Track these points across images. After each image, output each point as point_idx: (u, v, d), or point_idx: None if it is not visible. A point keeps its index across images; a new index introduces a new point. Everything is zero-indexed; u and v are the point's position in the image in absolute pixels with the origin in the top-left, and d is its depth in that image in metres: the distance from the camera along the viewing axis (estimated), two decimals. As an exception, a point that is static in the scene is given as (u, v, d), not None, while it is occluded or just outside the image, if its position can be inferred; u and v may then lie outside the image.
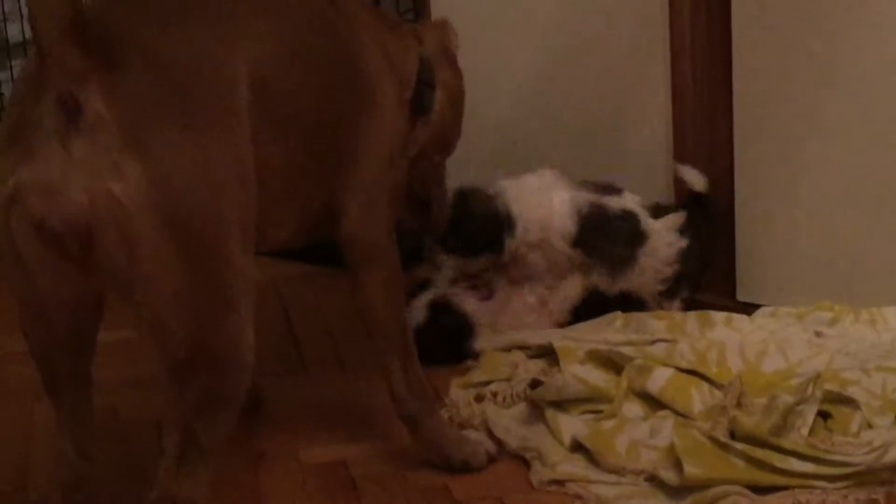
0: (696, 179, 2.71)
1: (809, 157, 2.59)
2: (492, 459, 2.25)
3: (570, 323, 2.70)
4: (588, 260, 2.69)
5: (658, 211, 2.74)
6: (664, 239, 2.71)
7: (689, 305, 2.75)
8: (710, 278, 2.75)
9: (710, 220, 2.74)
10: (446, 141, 2.44)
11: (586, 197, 2.70)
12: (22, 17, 3.97)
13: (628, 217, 2.71)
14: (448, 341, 2.64)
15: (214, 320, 1.74)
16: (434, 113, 2.35)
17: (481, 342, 2.65)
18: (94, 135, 1.64)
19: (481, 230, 2.67)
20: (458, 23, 2.94)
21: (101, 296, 1.87)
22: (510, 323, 2.69)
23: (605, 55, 2.82)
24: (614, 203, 2.71)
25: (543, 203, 2.69)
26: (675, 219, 2.73)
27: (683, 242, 2.71)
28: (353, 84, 2.11)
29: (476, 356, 2.62)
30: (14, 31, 3.99)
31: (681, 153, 2.72)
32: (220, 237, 1.73)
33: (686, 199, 2.74)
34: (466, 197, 2.69)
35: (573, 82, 2.89)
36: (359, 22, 2.18)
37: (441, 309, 2.68)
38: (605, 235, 2.69)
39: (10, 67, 3.96)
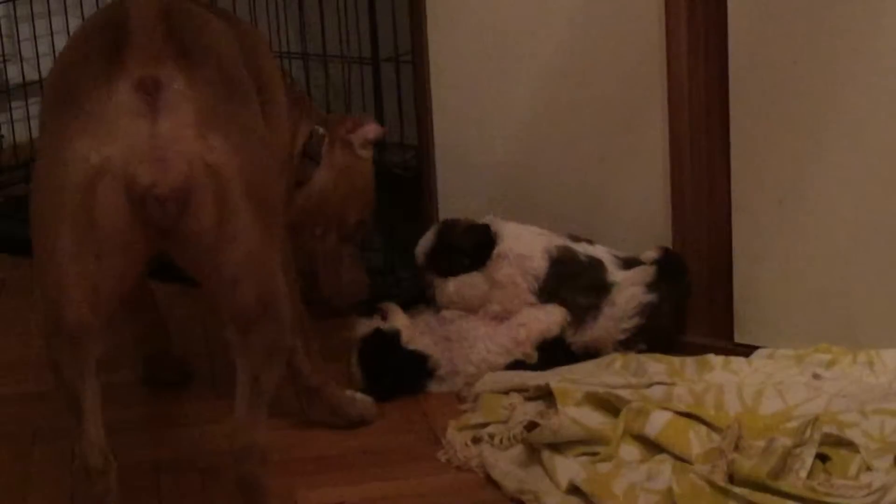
0: (650, 251, 2.73)
1: (807, 199, 2.59)
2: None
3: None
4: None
5: (630, 263, 2.74)
6: (628, 291, 2.70)
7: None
8: (708, 320, 2.75)
9: (681, 278, 2.72)
10: (326, 217, 2.65)
11: (557, 241, 2.72)
12: (21, 58, 3.98)
13: (594, 265, 2.71)
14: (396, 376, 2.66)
15: (272, 276, 1.98)
16: (314, 185, 2.59)
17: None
18: (178, 111, 1.85)
19: (467, 240, 2.72)
20: (454, 71, 2.95)
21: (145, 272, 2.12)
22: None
23: (601, 104, 2.82)
24: (582, 249, 2.73)
25: (524, 236, 2.72)
26: (644, 272, 2.72)
27: (649, 297, 2.70)
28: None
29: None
30: (14, 73, 4.00)
31: (678, 197, 2.72)
32: (275, 202, 2.01)
33: (658, 257, 2.73)
34: (452, 223, 2.78)
35: (568, 131, 2.89)
36: (272, 64, 2.44)
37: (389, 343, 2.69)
38: (570, 283, 2.69)
39: (10, 109, 3.97)
